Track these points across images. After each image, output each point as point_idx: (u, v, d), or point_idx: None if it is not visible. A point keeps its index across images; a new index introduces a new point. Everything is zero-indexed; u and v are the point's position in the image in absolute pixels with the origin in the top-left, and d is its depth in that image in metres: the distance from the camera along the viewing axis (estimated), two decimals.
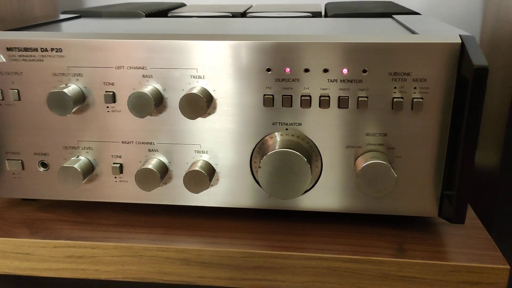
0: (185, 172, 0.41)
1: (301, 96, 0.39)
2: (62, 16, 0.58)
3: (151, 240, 0.42)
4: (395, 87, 0.38)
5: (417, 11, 0.57)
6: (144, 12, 0.60)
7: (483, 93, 0.34)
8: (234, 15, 0.62)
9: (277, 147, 0.39)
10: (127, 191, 0.44)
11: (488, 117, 0.61)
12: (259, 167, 0.39)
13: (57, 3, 0.86)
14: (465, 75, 0.35)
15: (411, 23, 0.46)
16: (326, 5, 0.72)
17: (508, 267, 0.38)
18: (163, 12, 0.64)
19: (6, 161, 0.44)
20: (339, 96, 0.39)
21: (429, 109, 0.38)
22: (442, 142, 0.39)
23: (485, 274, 0.38)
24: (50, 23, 0.51)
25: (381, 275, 0.39)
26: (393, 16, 0.52)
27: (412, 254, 0.39)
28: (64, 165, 0.42)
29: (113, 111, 0.42)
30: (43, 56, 0.40)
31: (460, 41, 0.36)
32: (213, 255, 0.41)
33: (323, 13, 0.67)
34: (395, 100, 0.38)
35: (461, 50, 0.36)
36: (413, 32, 0.40)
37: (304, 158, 0.38)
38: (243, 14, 0.63)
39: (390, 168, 0.38)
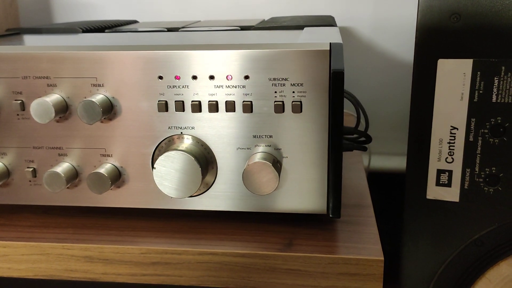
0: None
1: (191, 101, 0.42)
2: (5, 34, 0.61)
3: (60, 239, 0.45)
4: (275, 92, 0.41)
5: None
6: (81, 28, 0.64)
7: (341, 95, 0.37)
8: (170, 29, 0.66)
9: (171, 150, 0.42)
10: (42, 194, 0.47)
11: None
12: (154, 168, 0.42)
13: (19, 22, 0.90)
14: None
15: (311, 34, 0.49)
16: (268, 20, 0.75)
17: (382, 258, 0.40)
18: (100, 29, 0.67)
19: None
20: (226, 101, 0.42)
21: (308, 111, 0.41)
22: (323, 142, 0.42)
23: (361, 266, 0.40)
24: None
25: (268, 268, 0.42)
26: (305, 28, 0.55)
27: (297, 248, 0.42)
28: None
29: (23, 118, 0.45)
30: None
31: (328, 48, 0.39)
32: (113, 252, 0.43)
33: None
34: (275, 103, 0.41)
35: (329, 57, 0.39)
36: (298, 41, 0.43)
37: (193, 158, 0.41)
38: (177, 29, 0.66)
39: (271, 167, 0.40)
